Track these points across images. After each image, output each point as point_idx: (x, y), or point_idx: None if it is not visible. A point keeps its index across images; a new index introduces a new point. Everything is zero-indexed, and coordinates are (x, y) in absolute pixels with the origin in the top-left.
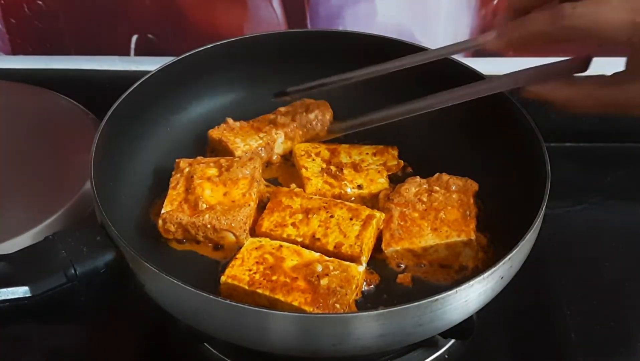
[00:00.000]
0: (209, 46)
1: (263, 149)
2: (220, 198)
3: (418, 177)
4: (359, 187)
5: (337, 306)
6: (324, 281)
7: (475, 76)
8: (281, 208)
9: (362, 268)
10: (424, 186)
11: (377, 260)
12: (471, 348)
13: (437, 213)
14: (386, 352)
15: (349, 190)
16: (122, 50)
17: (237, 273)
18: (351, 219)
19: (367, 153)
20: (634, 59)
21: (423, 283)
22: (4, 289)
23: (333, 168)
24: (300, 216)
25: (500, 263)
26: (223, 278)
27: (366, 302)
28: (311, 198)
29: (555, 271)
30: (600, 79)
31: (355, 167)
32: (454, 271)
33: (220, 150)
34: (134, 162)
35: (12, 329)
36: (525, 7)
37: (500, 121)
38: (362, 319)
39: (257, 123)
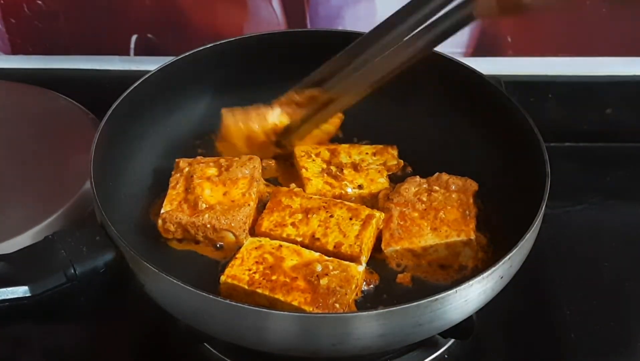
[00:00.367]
0: (209, 46)
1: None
2: (219, 198)
3: (418, 177)
4: (359, 187)
5: (337, 306)
6: (323, 281)
7: (475, 76)
8: (281, 208)
9: (361, 268)
10: (424, 186)
11: (377, 260)
12: (471, 348)
13: (437, 212)
14: (386, 352)
15: (349, 190)
16: (122, 50)
17: (237, 272)
18: (351, 219)
19: (367, 153)
20: None
21: (423, 283)
22: (4, 289)
23: (333, 168)
24: (300, 216)
25: (500, 263)
26: (223, 278)
27: (366, 302)
28: (311, 197)
29: (555, 271)
30: None
31: (355, 167)
32: (453, 271)
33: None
34: (134, 162)
35: (12, 329)
36: None
37: (500, 121)
38: (362, 319)
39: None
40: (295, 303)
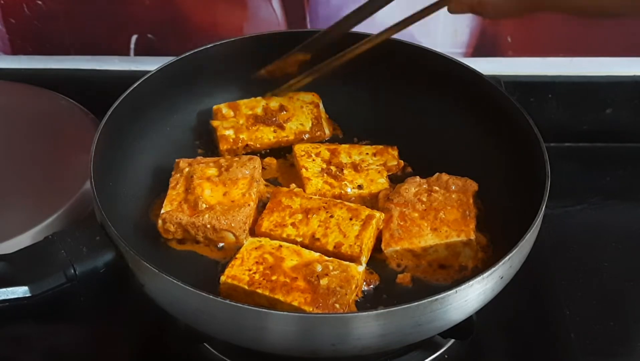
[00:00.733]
0: (209, 46)
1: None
2: (220, 198)
3: (418, 177)
4: (359, 187)
5: (337, 306)
6: (323, 281)
7: (475, 76)
8: (281, 208)
9: (361, 268)
10: (424, 186)
11: (377, 260)
12: (471, 348)
13: (437, 213)
14: (386, 352)
15: (349, 190)
16: (121, 50)
17: (237, 273)
18: (351, 219)
19: (367, 153)
20: None
21: (423, 283)
22: (4, 289)
23: (333, 168)
24: (300, 216)
25: (500, 263)
26: (223, 278)
27: (366, 302)
28: (311, 198)
29: (555, 271)
30: None
31: (355, 167)
32: (453, 271)
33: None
34: (134, 162)
35: (12, 329)
36: None
37: (500, 121)
38: (362, 319)
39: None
40: (295, 303)
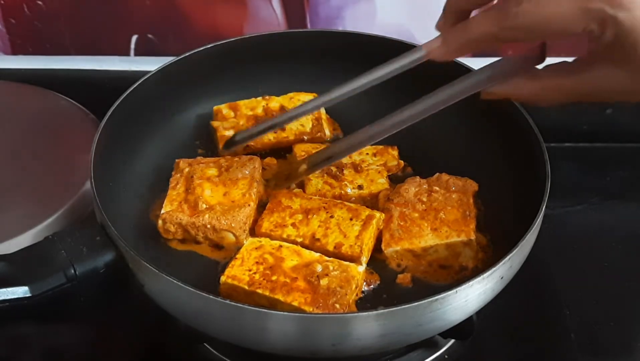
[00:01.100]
0: (209, 46)
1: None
2: (220, 198)
3: (418, 177)
4: (359, 187)
5: (337, 306)
6: (323, 281)
7: None
8: (281, 209)
9: (362, 268)
10: (424, 186)
11: (377, 260)
12: (471, 348)
13: (437, 213)
14: (386, 352)
15: (349, 190)
16: (122, 51)
17: (237, 273)
18: (351, 219)
19: (367, 153)
20: (593, 45)
21: (423, 283)
22: (4, 289)
23: (333, 169)
24: (300, 217)
25: (500, 263)
26: (223, 278)
27: (366, 302)
28: (310, 198)
29: (555, 271)
30: (561, 67)
31: (356, 167)
32: (453, 271)
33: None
34: (134, 162)
35: (12, 329)
36: (465, 9)
37: (500, 121)
38: (362, 319)
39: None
40: (295, 304)
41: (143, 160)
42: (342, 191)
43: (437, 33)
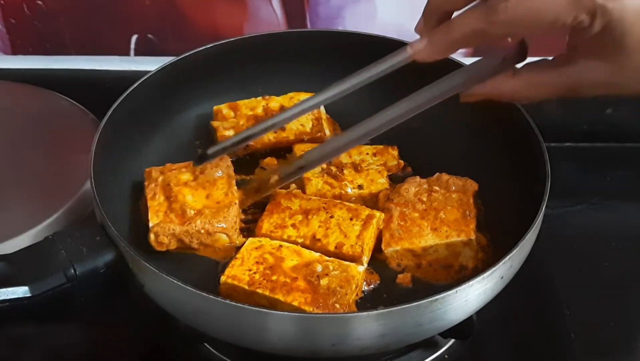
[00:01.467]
0: (209, 46)
1: None
2: (204, 202)
3: (418, 177)
4: (360, 187)
5: (337, 306)
6: (323, 281)
7: None
8: (280, 210)
9: (362, 268)
10: (424, 186)
11: (377, 260)
12: (471, 348)
13: (437, 213)
14: (386, 352)
15: (349, 190)
16: (122, 50)
17: (237, 273)
18: (351, 219)
19: (367, 153)
20: (577, 37)
21: (423, 283)
22: (4, 289)
23: (333, 168)
24: (300, 217)
25: (500, 263)
26: (223, 278)
27: (366, 302)
28: (310, 198)
29: (555, 271)
30: (541, 63)
31: (356, 167)
32: (454, 271)
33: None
34: (134, 162)
35: (12, 329)
36: (447, 10)
37: (500, 121)
38: (362, 319)
39: None
40: (295, 303)
41: (143, 160)
42: (342, 191)
43: None
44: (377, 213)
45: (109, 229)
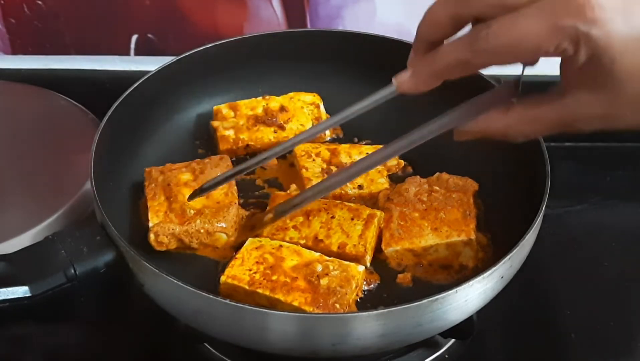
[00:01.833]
0: (209, 46)
1: None
2: (204, 201)
3: (418, 177)
4: (360, 187)
5: (337, 306)
6: (323, 281)
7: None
8: None
9: (362, 268)
10: (424, 186)
11: (377, 260)
12: (471, 348)
13: (437, 212)
14: (386, 352)
15: (349, 190)
16: (122, 50)
17: (237, 273)
18: (352, 219)
19: (367, 153)
20: (567, 68)
21: (423, 283)
22: (4, 289)
23: (333, 168)
24: (300, 219)
25: (500, 263)
26: (223, 278)
27: (366, 302)
28: None
29: (555, 271)
30: (536, 98)
31: None
32: (454, 271)
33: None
34: (134, 162)
35: (12, 329)
36: (435, 39)
37: None
38: (362, 319)
39: None
40: (295, 303)
41: (143, 160)
42: (342, 191)
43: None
44: (379, 212)
45: (109, 229)
